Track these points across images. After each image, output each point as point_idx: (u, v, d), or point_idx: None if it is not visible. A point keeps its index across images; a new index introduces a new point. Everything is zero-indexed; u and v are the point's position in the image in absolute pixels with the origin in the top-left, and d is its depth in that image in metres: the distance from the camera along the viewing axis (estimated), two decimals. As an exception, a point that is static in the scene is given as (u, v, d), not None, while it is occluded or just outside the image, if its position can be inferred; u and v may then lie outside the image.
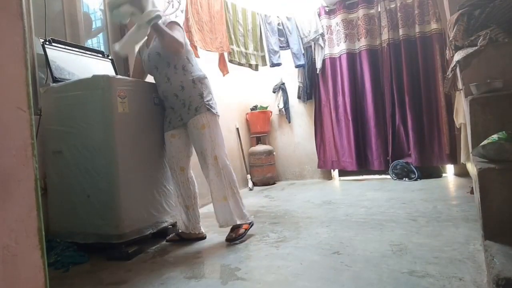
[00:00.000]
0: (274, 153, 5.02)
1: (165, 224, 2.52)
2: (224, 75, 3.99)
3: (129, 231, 2.20)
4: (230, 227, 2.40)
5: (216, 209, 2.39)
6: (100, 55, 2.80)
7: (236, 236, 2.34)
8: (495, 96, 1.90)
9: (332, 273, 1.70)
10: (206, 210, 3.53)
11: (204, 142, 2.37)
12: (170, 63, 2.38)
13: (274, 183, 4.95)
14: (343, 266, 1.77)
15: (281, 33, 4.61)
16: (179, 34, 2.32)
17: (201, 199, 3.62)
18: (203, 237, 2.52)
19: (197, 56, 3.18)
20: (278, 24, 4.61)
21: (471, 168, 2.59)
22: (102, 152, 2.20)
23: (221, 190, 2.37)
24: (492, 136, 1.69)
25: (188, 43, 2.56)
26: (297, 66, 4.70)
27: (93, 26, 3.10)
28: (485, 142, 1.69)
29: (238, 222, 2.38)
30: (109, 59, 2.85)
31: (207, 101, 2.41)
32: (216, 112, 2.45)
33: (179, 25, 2.40)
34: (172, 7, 3.39)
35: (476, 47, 2.07)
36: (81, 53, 2.65)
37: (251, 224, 2.49)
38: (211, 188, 2.39)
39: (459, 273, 1.56)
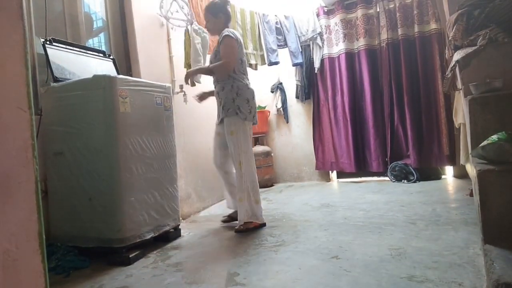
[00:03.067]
0: (272, 154, 4.99)
1: (167, 228, 2.50)
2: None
3: (130, 235, 2.17)
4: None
5: (237, 207, 2.70)
6: (101, 55, 2.77)
7: (242, 228, 2.63)
8: (495, 96, 1.87)
9: (331, 278, 1.68)
10: (207, 213, 3.52)
11: (232, 147, 2.67)
12: None
13: (272, 185, 4.91)
14: (342, 271, 1.74)
15: (279, 31, 4.59)
16: (225, 51, 2.61)
17: (201, 202, 3.63)
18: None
19: None
20: (276, 23, 4.58)
21: (471, 170, 2.56)
22: (104, 153, 2.17)
23: (240, 192, 2.66)
24: (492, 136, 1.65)
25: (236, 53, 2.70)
26: (294, 65, 4.67)
27: (94, 26, 3.08)
28: (484, 142, 1.66)
29: (248, 220, 2.65)
30: (111, 59, 2.83)
31: (237, 105, 2.64)
32: (245, 118, 2.66)
33: (228, 37, 2.64)
34: (184, 12, 3.37)
35: (476, 47, 2.05)
36: (82, 53, 2.62)
37: (261, 225, 2.71)
38: (236, 186, 2.73)
39: (458, 278, 1.53)
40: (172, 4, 3.31)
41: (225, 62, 2.60)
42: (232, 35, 2.65)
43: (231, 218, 2.95)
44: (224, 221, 3.00)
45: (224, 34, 2.64)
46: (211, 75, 2.83)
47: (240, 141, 2.65)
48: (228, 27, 2.79)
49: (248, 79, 2.79)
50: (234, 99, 2.65)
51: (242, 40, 2.79)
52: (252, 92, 2.75)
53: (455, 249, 1.86)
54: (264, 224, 2.73)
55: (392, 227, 2.39)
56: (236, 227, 2.67)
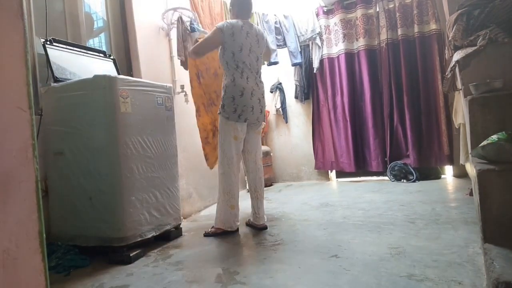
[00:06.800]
0: (271, 154, 4.99)
1: (168, 227, 2.50)
2: None
3: (131, 234, 2.17)
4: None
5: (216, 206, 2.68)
6: (102, 55, 2.77)
7: (210, 231, 2.62)
8: (495, 96, 1.87)
9: (331, 277, 1.68)
10: (208, 212, 3.52)
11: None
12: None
13: (271, 185, 4.92)
14: (341, 269, 1.75)
15: (278, 31, 4.60)
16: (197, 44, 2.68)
17: (202, 201, 3.63)
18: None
19: None
20: (275, 23, 4.59)
21: (470, 169, 2.57)
22: (104, 153, 2.17)
23: (218, 193, 2.65)
24: (492, 136, 1.66)
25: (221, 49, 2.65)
26: (293, 64, 4.68)
27: (95, 26, 3.07)
28: (484, 142, 1.66)
29: (219, 226, 2.61)
30: (111, 59, 2.83)
31: (223, 103, 2.59)
32: (228, 118, 2.56)
33: (214, 28, 2.61)
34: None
35: (476, 47, 2.05)
36: (82, 53, 2.62)
37: (232, 232, 2.61)
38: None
39: (458, 276, 1.53)
40: (173, 14, 3.33)
41: (191, 50, 2.69)
42: (220, 26, 2.56)
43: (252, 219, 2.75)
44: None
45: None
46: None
47: (221, 141, 2.60)
48: (240, 18, 2.65)
49: (243, 75, 2.57)
50: (222, 96, 2.60)
51: (242, 31, 2.57)
52: (240, 90, 2.53)
53: (454, 248, 1.87)
54: (234, 232, 2.60)
55: (392, 226, 2.39)
56: (208, 230, 2.64)
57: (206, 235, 2.60)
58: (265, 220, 2.74)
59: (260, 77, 2.72)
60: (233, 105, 2.54)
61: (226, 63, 2.59)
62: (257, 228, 2.66)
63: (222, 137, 2.60)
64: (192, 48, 2.69)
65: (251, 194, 2.76)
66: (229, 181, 2.59)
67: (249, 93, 2.58)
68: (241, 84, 2.55)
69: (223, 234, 2.58)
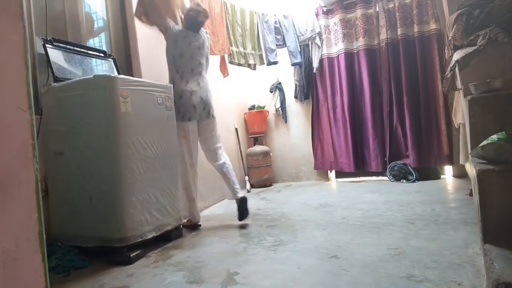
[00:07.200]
0: (271, 154, 4.99)
1: (168, 228, 2.49)
2: (224, 77, 4.00)
3: (131, 234, 2.16)
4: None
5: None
6: (102, 55, 2.77)
7: (185, 223, 2.85)
8: (495, 96, 1.87)
9: (330, 278, 1.67)
10: (207, 212, 3.52)
11: None
12: None
13: (270, 185, 4.91)
14: (341, 270, 1.74)
15: (278, 31, 4.59)
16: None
17: (202, 202, 3.63)
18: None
19: None
20: (275, 23, 4.58)
21: (470, 170, 2.56)
22: (105, 153, 2.16)
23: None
24: (492, 136, 1.65)
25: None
26: (293, 64, 4.67)
27: (95, 25, 3.07)
28: (484, 142, 1.66)
29: (188, 217, 2.90)
30: (111, 58, 2.82)
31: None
32: (176, 119, 2.70)
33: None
34: None
35: (476, 47, 2.04)
36: (82, 53, 2.61)
37: (195, 225, 2.89)
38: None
39: (458, 277, 1.53)
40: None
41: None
42: (170, 25, 2.83)
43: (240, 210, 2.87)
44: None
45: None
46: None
47: (176, 142, 2.74)
48: (188, 29, 2.89)
49: (183, 78, 2.82)
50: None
51: (184, 40, 2.83)
52: (179, 92, 2.78)
53: (454, 248, 1.86)
54: (196, 225, 2.88)
55: (391, 226, 2.39)
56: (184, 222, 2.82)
57: (184, 226, 2.79)
58: (241, 194, 2.92)
59: (203, 77, 2.95)
60: (176, 107, 2.74)
61: (168, 65, 2.87)
62: (241, 201, 2.85)
63: (176, 138, 2.72)
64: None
65: (224, 177, 2.97)
66: (183, 176, 2.82)
67: (187, 95, 2.81)
68: (180, 88, 2.80)
69: (189, 228, 2.84)
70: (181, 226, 2.67)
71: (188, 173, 2.85)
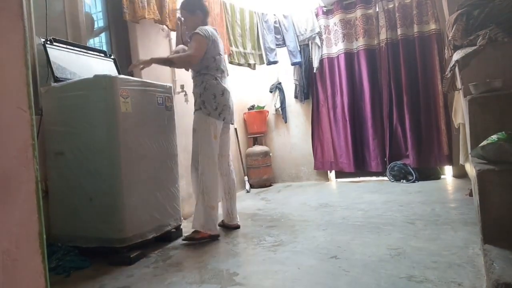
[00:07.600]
0: (271, 154, 4.98)
1: (168, 228, 2.49)
2: None
3: (131, 235, 2.16)
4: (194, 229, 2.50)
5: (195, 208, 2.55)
6: (102, 55, 2.77)
7: (189, 236, 2.47)
8: (495, 95, 1.87)
9: (330, 278, 1.67)
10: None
11: (193, 145, 2.64)
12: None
13: (270, 185, 4.91)
14: (340, 271, 1.74)
15: (277, 30, 4.60)
16: (192, 45, 2.52)
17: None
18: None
19: None
20: (275, 22, 4.58)
21: (470, 170, 2.56)
22: (105, 153, 2.16)
23: (195, 193, 2.62)
24: (492, 136, 1.65)
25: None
26: (293, 64, 4.67)
27: (95, 25, 3.07)
28: (484, 142, 1.66)
29: (197, 229, 2.47)
30: (112, 58, 2.82)
31: (203, 100, 2.56)
32: (209, 114, 2.53)
33: (196, 35, 2.52)
34: None
35: (475, 47, 2.04)
36: (83, 53, 2.61)
37: (212, 236, 2.49)
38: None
39: (458, 278, 1.53)
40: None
41: (188, 55, 2.50)
42: (201, 33, 2.52)
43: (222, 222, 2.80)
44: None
45: (194, 32, 2.54)
46: (171, 66, 2.82)
47: (200, 140, 2.55)
48: (206, 24, 2.71)
49: (223, 78, 2.67)
50: (201, 94, 2.57)
51: (218, 38, 2.66)
52: (221, 89, 2.60)
53: (454, 249, 1.86)
54: (216, 236, 2.50)
55: (391, 227, 2.38)
56: (187, 234, 2.50)
57: (185, 239, 2.47)
58: (238, 220, 2.80)
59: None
60: (214, 103, 2.56)
61: (206, 67, 2.59)
62: (231, 228, 2.75)
63: (202, 136, 2.54)
64: (186, 55, 2.53)
65: (225, 195, 2.78)
66: (210, 181, 2.52)
67: (228, 94, 2.67)
68: (223, 86, 2.64)
69: (201, 239, 2.44)
70: (182, 239, 2.48)
71: (217, 177, 2.61)
